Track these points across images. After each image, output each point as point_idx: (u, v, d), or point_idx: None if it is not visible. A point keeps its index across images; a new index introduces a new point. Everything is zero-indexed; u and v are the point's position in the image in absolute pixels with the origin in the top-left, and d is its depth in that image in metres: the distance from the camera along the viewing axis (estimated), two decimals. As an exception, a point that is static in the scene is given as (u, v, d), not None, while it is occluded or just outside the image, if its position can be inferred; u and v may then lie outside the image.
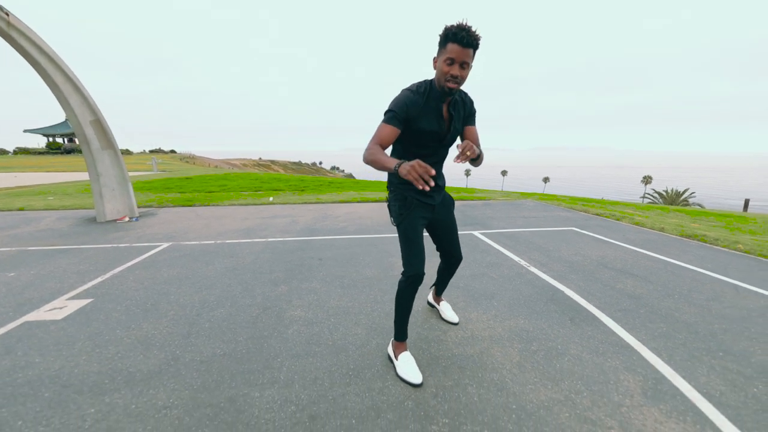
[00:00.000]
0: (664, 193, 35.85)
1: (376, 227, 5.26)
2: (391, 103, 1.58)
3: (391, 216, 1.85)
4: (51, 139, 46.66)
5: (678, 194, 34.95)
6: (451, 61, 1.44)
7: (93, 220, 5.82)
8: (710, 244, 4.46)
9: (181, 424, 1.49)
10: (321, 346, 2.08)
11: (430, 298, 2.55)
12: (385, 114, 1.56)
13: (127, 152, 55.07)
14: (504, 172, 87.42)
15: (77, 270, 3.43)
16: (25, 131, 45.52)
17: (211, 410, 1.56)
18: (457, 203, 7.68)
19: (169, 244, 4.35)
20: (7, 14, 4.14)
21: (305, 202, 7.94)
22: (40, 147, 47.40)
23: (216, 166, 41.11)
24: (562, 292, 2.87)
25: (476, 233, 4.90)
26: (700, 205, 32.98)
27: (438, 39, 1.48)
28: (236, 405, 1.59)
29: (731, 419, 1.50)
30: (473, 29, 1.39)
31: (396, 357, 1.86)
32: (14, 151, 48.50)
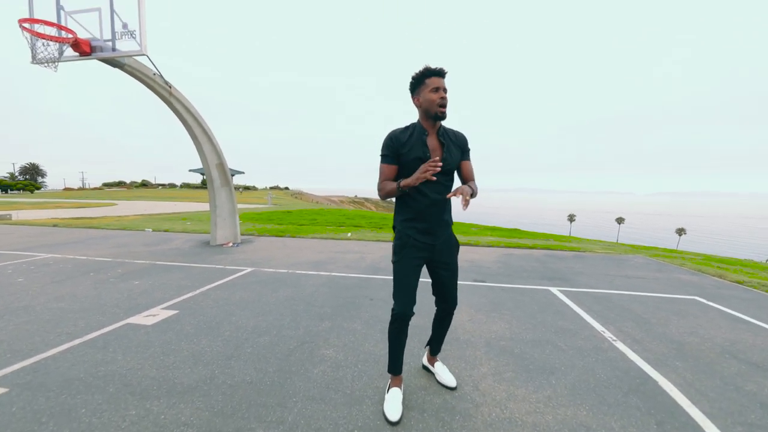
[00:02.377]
0: None
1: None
2: (381, 147, 1.83)
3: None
4: (204, 177, 60.00)
5: None
6: (436, 89, 1.71)
7: (207, 244, 7.08)
8: None
9: (189, 444, 1.58)
10: (339, 393, 2.01)
11: (425, 360, 2.31)
12: (380, 157, 1.82)
13: (253, 188, 66.51)
14: (620, 220, 74.95)
15: (179, 284, 4.15)
16: (189, 170, 59.72)
17: (217, 437, 1.63)
18: (539, 253, 6.88)
19: (252, 270, 4.95)
20: (170, 87, 5.68)
21: (380, 240, 8.18)
22: (197, 183, 61.16)
23: (317, 202, 46.21)
24: (656, 382, 2.19)
25: (554, 290, 4.24)
26: None
27: (410, 85, 1.79)
28: (239, 438, 1.63)
29: None
30: (441, 67, 1.72)
31: (387, 390, 1.96)
32: (180, 185, 63.69)
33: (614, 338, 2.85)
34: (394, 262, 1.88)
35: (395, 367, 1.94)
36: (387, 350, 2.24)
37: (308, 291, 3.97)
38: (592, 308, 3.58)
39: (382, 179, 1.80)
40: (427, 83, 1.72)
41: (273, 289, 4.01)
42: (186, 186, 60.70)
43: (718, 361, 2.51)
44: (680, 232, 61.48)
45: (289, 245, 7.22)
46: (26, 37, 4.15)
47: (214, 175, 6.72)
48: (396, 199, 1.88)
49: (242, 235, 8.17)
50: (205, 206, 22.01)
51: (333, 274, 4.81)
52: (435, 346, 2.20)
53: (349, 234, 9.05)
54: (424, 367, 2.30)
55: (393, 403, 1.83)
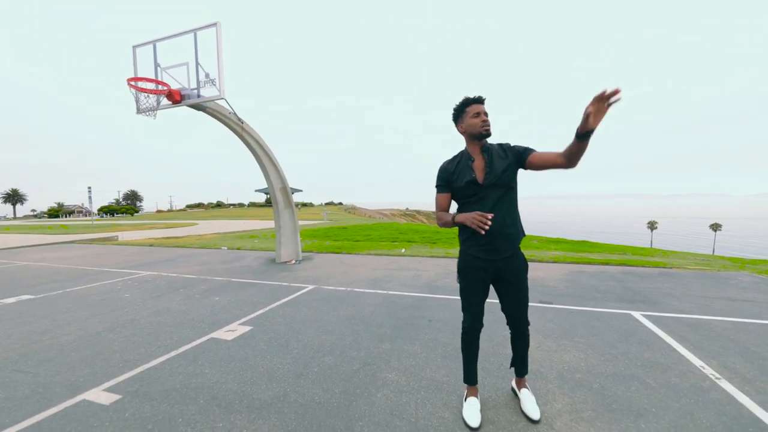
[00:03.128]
0: None
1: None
2: (436, 179, 2.04)
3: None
4: (269, 196, 65.26)
5: None
6: (477, 114, 1.87)
7: (273, 261, 7.66)
8: None
9: (268, 461, 1.70)
10: (403, 420, 2.02)
11: (513, 382, 2.28)
12: (436, 188, 2.03)
13: (310, 204, 70.50)
14: (716, 226, 63.85)
15: (252, 301, 4.54)
16: (255, 191, 65.59)
17: (292, 457, 1.73)
18: (614, 269, 6.21)
19: (313, 287, 5.23)
20: (242, 122, 6.38)
21: (434, 256, 8.09)
22: (262, 202, 66.73)
23: (370, 216, 47.29)
24: (779, 435, 1.83)
25: (636, 314, 3.79)
26: None
27: (453, 116, 1.97)
28: (312, 459, 1.71)
29: None
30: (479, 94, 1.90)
31: (465, 398, 2.11)
32: (248, 204, 70.01)
33: (718, 376, 2.45)
34: (459, 282, 2.05)
35: (470, 377, 2.10)
36: (449, 377, 2.22)
37: (367, 310, 4.07)
38: (686, 338, 3.13)
39: (439, 209, 2.00)
40: (467, 111, 1.89)
41: (334, 308, 4.18)
42: (252, 205, 66.64)
43: None
44: (800, 239, 50.54)
45: (346, 262, 7.49)
46: (132, 93, 5.06)
47: (279, 198, 7.30)
48: None
49: (303, 252, 8.69)
50: (269, 224, 23.88)
51: (390, 292, 4.87)
52: (519, 367, 2.16)
53: (403, 250, 9.10)
54: (513, 390, 2.27)
55: (473, 411, 1.99)
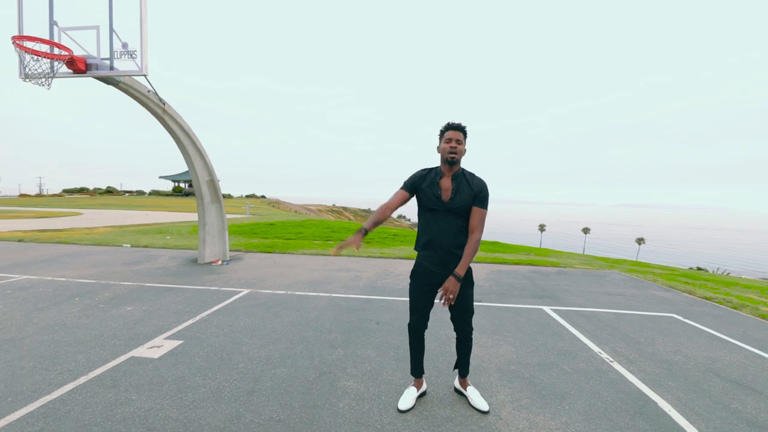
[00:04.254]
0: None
1: (437, 291, 5.16)
2: (407, 178, 2.22)
3: None
4: (177, 184, 57.46)
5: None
6: (449, 140, 2.08)
7: (195, 261, 6.85)
8: None
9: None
10: (370, 428, 2.05)
11: (457, 383, 2.47)
12: (402, 184, 2.20)
13: (228, 196, 64.53)
14: (586, 230, 78.89)
15: (176, 310, 4.02)
16: (160, 177, 57.16)
17: (260, 483, 1.63)
18: (525, 269, 7.18)
19: (249, 291, 4.87)
20: (164, 104, 5.56)
21: (369, 256, 8.23)
22: (168, 190, 58.57)
23: (296, 211, 45.48)
24: (656, 404, 2.40)
25: (547, 309, 4.47)
26: None
27: (438, 135, 2.15)
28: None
29: None
30: (460, 122, 2.10)
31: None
32: (149, 192, 60.73)
33: (611, 359, 3.07)
34: (409, 284, 2.28)
35: (415, 370, 2.34)
36: (405, 379, 2.34)
37: (312, 315, 3.97)
38: (585, 328, 3.82)
39: (387, 202, 2.14)
40: (445, 136, 2.09)
41: (276, 314, 3.97)
42: (156, 194, 58.01)
43: (704, 379, 2.77)
44: (639, 241, 65.58)
45: (279, 262, 7.12)
46: (17, 52, 3.95)
47: (204, 192, 6.56)
48: (418, 225, 2.25)
49: (230, 251, 7.97)
50: (177, 216, 21.15)
51: (332, 295, 4.82)
52: (462, 368, 2.37)
53: (339, 249, 9.03)
54: (457, 391, 2.44)
55: (407, 398, 2.26)
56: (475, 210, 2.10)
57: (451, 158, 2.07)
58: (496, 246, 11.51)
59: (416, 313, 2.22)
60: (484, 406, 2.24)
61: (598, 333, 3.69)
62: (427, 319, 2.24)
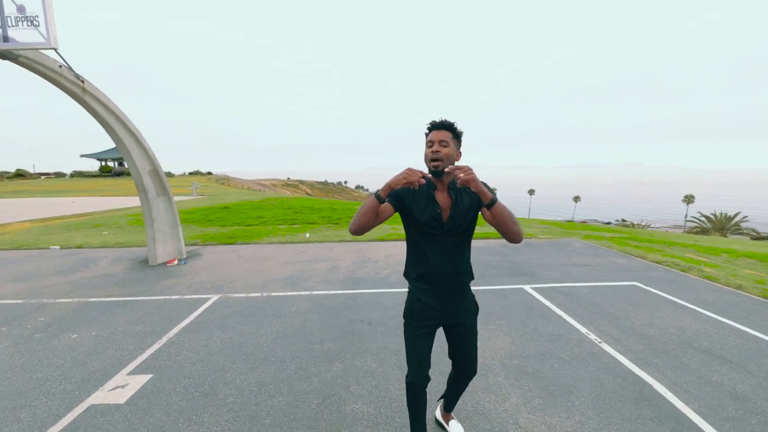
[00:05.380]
0: (712, 217, 33.23)
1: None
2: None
3: None
4: (104, 163, 50.74)
5: (728, 218, 32.28)
6: (431, 143, 1.61)
7: (145, 262, 6.06)
8: (807, 311, 3.91)
9: None
10: (392, 461, 1.91)
11: (438, 414, 2.20)
12: (379, 196, 1.59)
13: (169, 174, 58.68)
14: (531, 191, 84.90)
15: (134, 332, 3.47)
16: (82, 156, 49.92)
17: None
18: (495, 243, 7.38)
19: (218, 297, 4.39)
20: (83, 81, 4.52)
21: (342, 240, 7.94)
22: (94, 170, 51.62)
23: (248, 188, 42.86)
24: (651, 386, 2.53)
25: (527, 288, 4.61)
26: (755, 231, 30.15)
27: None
28: None
29: None
30: (445, 119, 1.63)
31: None
32: (71, 174, 53.11)
33: (599, 340, 3.21)
34: (404, 326, 1.79)
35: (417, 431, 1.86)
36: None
37: (297, 321, 3.67)
38: (567, 307, 3.98)
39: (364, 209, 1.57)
40: (428, 137, 1.63)
41: (256, 324, 3.61)
42: (79, 174, 50.72)
43: (682, 353, 3.00)
44: (576, 199, 72.57)
45: (246, 256, 6.57)
46: None
47: (148, 184, 5.67)
48: (407, 249, 1.79)
49: (186, 246, 7.18)
50: (115, 202, 18.78)
51: (313, 293, 4.53)
52: (450, 403, 2.10)
53: (308, 234, 8.60)
54: (438, 423, 2.19)
55: None
56: (487, 212, 1.59)
57: (433, 167, 1.58)
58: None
59: (419, 364, 1.72)
60: None
61: (580, 311, 3.86)
62: (430, 367, 1.76)
